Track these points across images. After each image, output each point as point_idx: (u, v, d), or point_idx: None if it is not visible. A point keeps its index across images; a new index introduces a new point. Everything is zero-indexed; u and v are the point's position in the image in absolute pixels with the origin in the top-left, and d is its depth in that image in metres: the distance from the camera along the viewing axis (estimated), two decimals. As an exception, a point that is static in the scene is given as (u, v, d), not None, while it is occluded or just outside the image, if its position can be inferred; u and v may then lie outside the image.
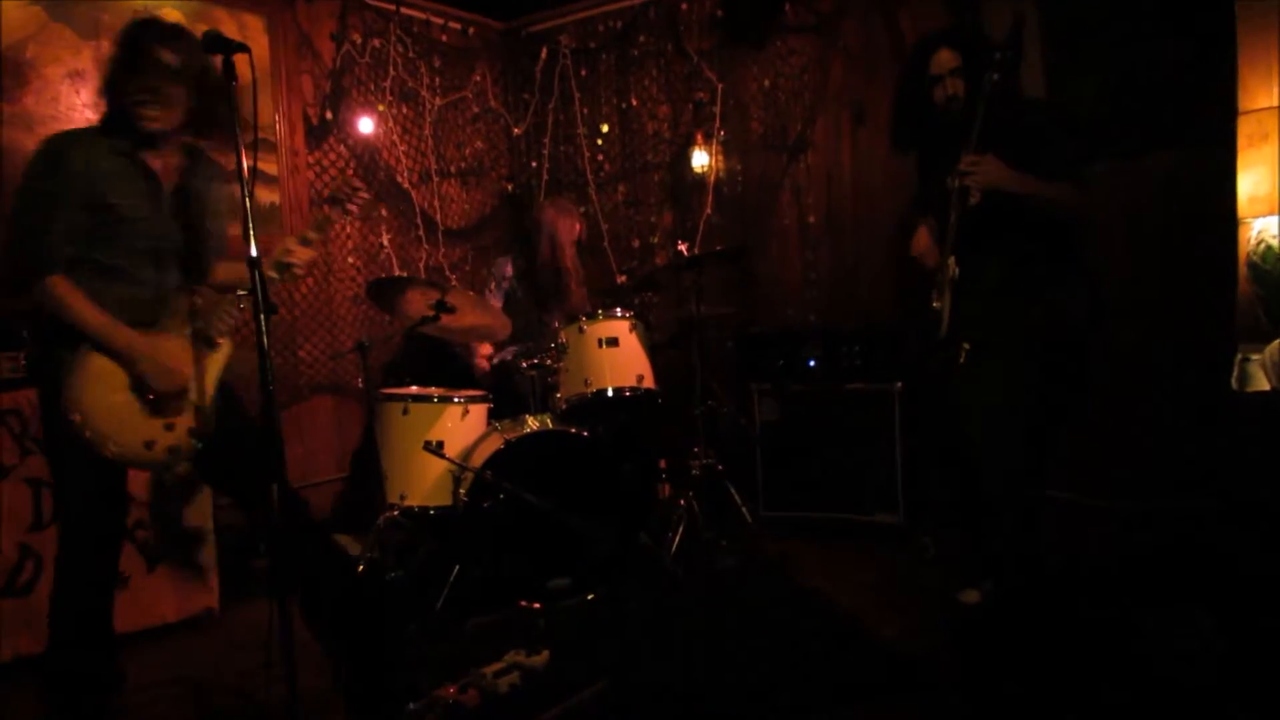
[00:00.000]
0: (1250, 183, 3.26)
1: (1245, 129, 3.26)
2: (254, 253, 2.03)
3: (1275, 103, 3.17)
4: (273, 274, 2.41)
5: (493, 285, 4.29)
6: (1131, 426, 3.69)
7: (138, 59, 2.22)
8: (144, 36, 2.24)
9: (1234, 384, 3.21)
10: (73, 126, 3.50)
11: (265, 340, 2.00)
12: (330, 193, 2.60)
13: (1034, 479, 3.00)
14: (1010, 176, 2.81)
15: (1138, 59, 3.68)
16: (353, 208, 2.52)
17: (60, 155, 2.23)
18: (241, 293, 2.38)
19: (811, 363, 4.17)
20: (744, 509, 3.93)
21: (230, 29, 4.04)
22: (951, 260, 2.95)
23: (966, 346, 2.90)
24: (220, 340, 2.41)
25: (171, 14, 3.84)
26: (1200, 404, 3.49)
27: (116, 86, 2.26)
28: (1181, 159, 3.62)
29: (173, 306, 2.35)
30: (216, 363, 2.40)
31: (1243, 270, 3.29)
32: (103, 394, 2.22)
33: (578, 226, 4.33)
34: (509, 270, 4.25)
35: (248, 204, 2.02)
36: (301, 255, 2.46)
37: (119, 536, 2.51)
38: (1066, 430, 3.11)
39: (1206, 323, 3.49)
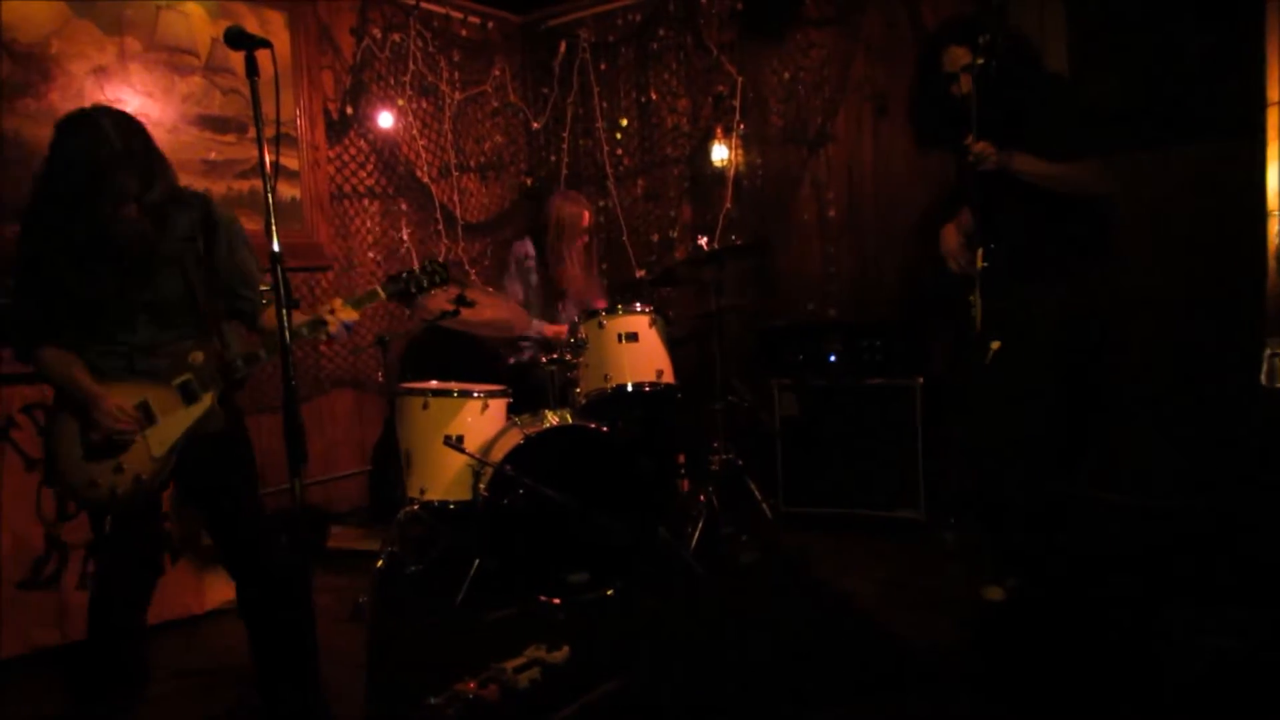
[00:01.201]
0: (1278, 175, 3.21)
1: (1274, 120, 3.21)
2: (276, 248, 2.03)
3: (1305, 94, 3.12)
4: (302, 332, 2.38)
5: (513, 269, 4.28)
6: (1157, 422, 3.65)
7: (100, 185, 2.16)
8: (97, 162, 2.16)
9: (1263, 379, 3.16)
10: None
11: (288, 336, 2.00)
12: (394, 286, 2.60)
13: (1059, 477, 2.97)
14: (1011, 157, 2.80)
15: (1164, 49, 3.64)
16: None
17: (26, 236, 2.29)
18: (264, 288, 2.37)
19: (832, 358, 4.15)
20: (764, 504, 3.92)
21: (251, 24, 4.06)
22: (979, 252, 2.92)
23: (995, 346, 2.87)
24: (204, 396, 2.35)
25: (194, 9, 3.87)
26: (1228, 399, 3.44)
27: (76, 200, 2.19)
28: (1209, 151, 3.57)
29: (147, 364, 2.32)
30: (190, 416, 2.34)
31: (1271, 264, 3.24)
32: (62, 439, 2.30)
33: (585, 215, 4.27)
34: (530, 249, 4.25)
35: (269, 199, 2.02)
36: (341, 316, 2.42)
37: (151, 541, 2.51)
38: (1095, 427, 3.07)
39: (1235, 317, 3.45)
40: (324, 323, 2.39)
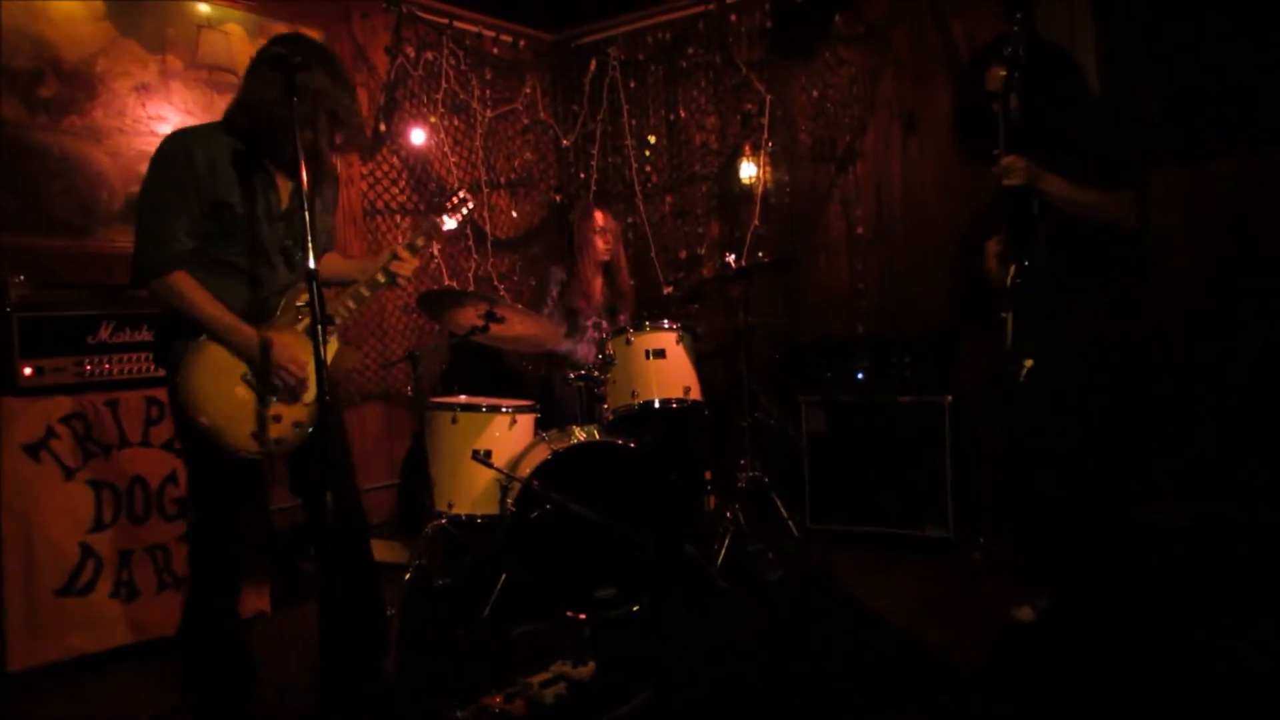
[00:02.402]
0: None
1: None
2: (311, 264, 2.07)
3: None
4: (381, 278, 2.53)
5: (554, 292, 4.28)
6: (1193, 432, 3.62)
7: (329, 98, 2.26)
8: (334, 71, 2.27)
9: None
10: (139, 138, 3.64)
11: (322, 350, 2.03)
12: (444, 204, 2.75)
13: (1097, 492, 2.94)
14: (1041, 175, 2.79)
15: (1199, 61, 3.61)
16: (458, 216, 2.71)
17: (185, 152, 2.26)
18: (300, 303, 2.42)
19: (859, 374, 4.14)
20: (790, 521, 3.91)
21: (289, 43, 4.12)
22: (1012, 268, 2.92)
23: (1028, 364, 2.85)
24: (328, 338, 2.41)
25: (234, 29, 3.95)
26: (1265, 410, 3.42)
27: (279, 112, 2.22)
28: (1246, 164, 3.54)
29: (286, 302, 2.40)
30: (326, 358, 2.41)
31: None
32: (217, 385, 2.30)
33: (593, 221, 4.18)
34: (562, 275, 4.25)
35: (308, 218, 2.06)
36: (409, 265, 2.57)
37: (251, 524, 2.60)
38: (1137, 441, 3.05)
39: (1267, 329, 3.42)
40: (394, 275, 2.55)
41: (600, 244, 4.19)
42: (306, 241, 2.06)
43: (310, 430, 2.42)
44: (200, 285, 2.27)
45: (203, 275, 2.29)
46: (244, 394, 2.32)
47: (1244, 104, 3.52)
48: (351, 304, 2.51)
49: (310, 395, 2.39)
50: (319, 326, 2.01)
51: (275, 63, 2.15)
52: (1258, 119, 3.50)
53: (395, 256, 2.54)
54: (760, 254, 4.78)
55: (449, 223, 2.72)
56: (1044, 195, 2.80)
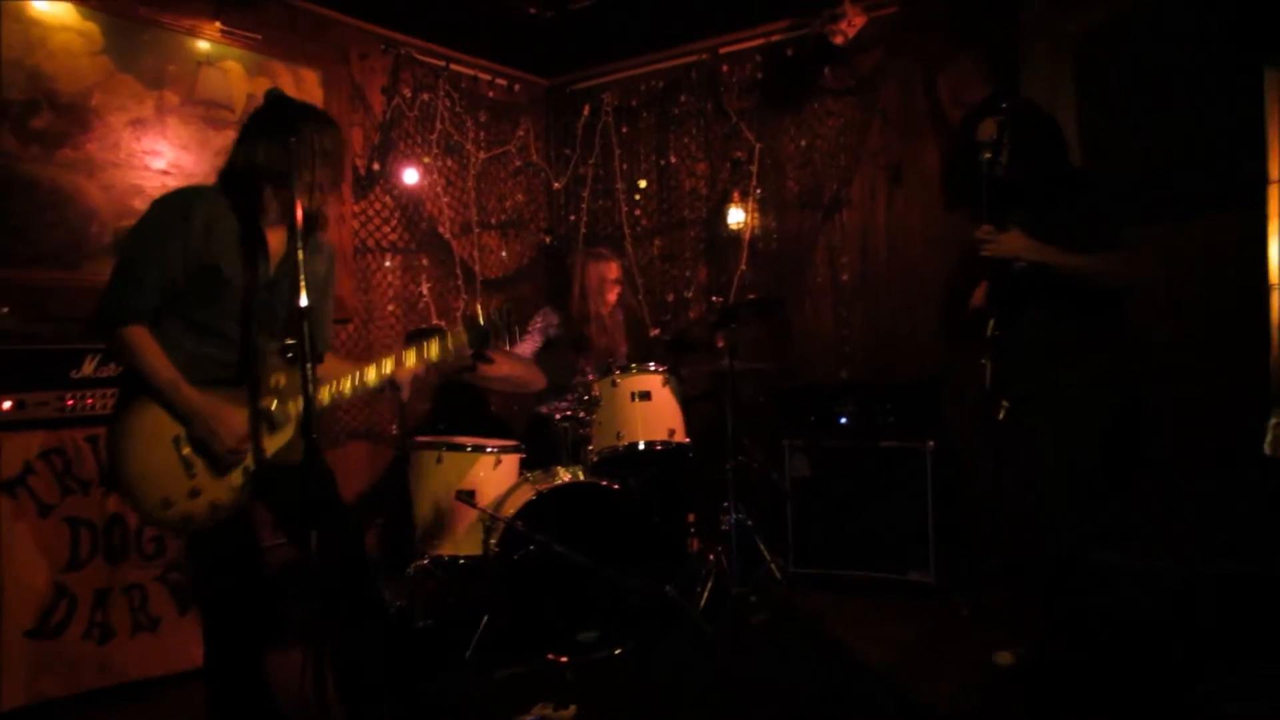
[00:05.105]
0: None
1: (1275, 197, 3.31)
2: (304, 303, 2.08)
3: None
4: (371, 378, 2.43)
5: (535, 328, 4.31)
6: (1173, 488, 3.65)
7: (307, 150, 2.20)
8: (310, 124, 2.22)
9: (1267, 449, 3.18)
10: (133, 172, 3.65)
11: (310, 388, 2.03)
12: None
13: (1073, 537, 2.96)
14: (1028, 247, 2.87)
15: (1174, 126, 3.71)
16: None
17: (184, 210, 2.24)
18: (290, 341, 2.36)
19: (844, 419, 4.17)
20: (774, 565, 3.91)
21: (287, 81, 4.17)
22: (991, 322, 2.98)
23: (1005, 404, 2.91)
24: (286, 424, 2.34)
25: (232, 66, 3.99)
26: (1240, 467, 3.46)
27: (274, 170, 2.22)
28: (1218, 224, 3.63)
29: (259, 374, 2.30)
30: (273, 444, 2.33)
31: (1274, 335, 3.30)
32: (140, 444, 2.20)
33: (614, 266, 4.31)
34: (555, 319, 4.31)
35: (299, 256, 2.07)
36: (407, 369, 2.47)
37: (251, 580, 2.43)
38: (1109, 491, 3.08)
39: (1243, 386, 3.47)
40: (398, 386, 2.47)
41: (612, 296, 4.28)
42: (293, 304, 2.07)
43: (230, 513, 2.29)
44: (154, 343, 2.20)
45: (179, 337, 2.24)
46: (169, 460, 2.20)
47: (1217, 162, 3.61)
48: (325, 399, 2.39)
49: (237, 480, 2.27)
50: (306, 365, 2.01)
51: (305, 116, 2.20)
52: (1230, 177, 3.59)
53: (398, 362, 2.45)
54: (749, 296, 4.82)
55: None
56: (1023, 264, 2.88)
